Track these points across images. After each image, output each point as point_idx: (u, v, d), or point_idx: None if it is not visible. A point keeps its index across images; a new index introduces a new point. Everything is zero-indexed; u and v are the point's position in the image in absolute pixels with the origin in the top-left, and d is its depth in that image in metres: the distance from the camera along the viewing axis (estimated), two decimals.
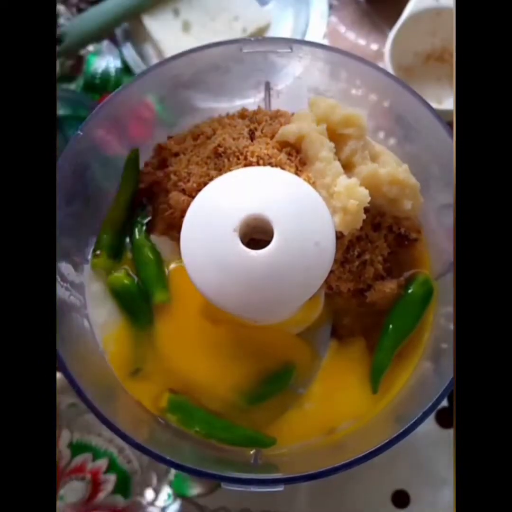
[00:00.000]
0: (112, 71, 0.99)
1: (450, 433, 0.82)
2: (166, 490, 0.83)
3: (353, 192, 0.64)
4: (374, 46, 0.99)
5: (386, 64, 0.89)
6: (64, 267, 0.70)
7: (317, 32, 0.96)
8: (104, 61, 0.99)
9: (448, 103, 0.91)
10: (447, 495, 0.82)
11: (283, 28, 0.98)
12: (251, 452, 0.69)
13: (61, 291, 0.68)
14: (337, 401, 0.69)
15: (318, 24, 0.96)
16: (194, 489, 0.83)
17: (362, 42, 0.99)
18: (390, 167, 0.68)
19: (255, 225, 0.60)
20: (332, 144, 0.67)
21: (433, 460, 0.83)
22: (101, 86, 0.98)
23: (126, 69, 0.98)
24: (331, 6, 1.00)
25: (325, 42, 0.99)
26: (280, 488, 0.62)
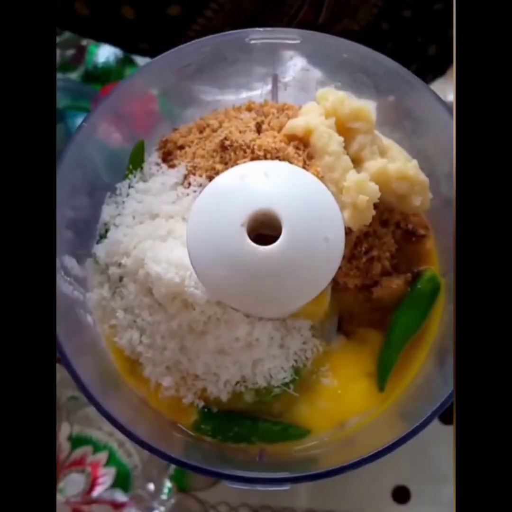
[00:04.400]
0: (114, 61, 0.98)
1: (451, 429, 0.81)
2: (167, 484, 0.83)
3: (363, 188, 0.63)
4: None
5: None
6: (67, 261, 0.69)
7: None
8: (105, 51, 0.98)
9: (453, 97, 0.91)
10: (447, 491, 0.81)
11: None
12: (256, 450, 0.69)
13: (65, 286, 0.68)
14: (346, 396, 0.69)
15: None
16: (195, 484, 0.83)
17: None
18: (399, 162, 0.68)
19: (262, 220, 0.59)
20: (341, 138, 0.67)
21: (434, 456, 0.83)
22: (102, 76, 0.97)
23: (127, 59, 0.98)
24: None
25: None
26: (286, 487, 0.62)
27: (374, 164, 0.67)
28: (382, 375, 0.69)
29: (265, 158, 0.67)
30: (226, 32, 0.71)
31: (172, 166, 0.73)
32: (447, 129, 0.67)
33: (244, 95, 0.78)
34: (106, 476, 0.83)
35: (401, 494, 0.83)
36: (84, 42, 0.97)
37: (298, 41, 0.71)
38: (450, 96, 0.91)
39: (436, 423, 0.83)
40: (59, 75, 0.95)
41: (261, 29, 0.71)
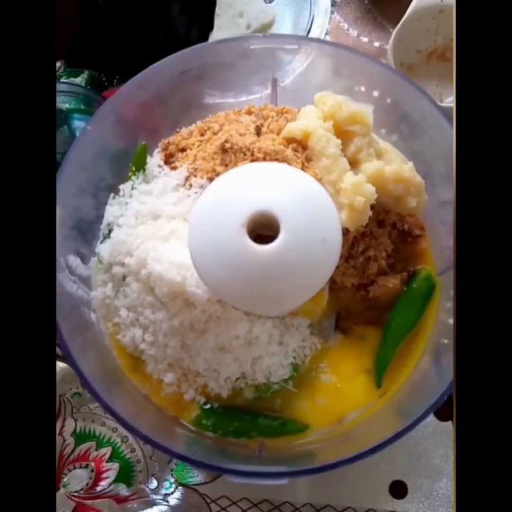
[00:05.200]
0: None
1: (447, 425, 0.83)
2: (169, 479, 0.83)
3: (360, 189, 0.64)
4: (377, 43, 0.99)
5: (389, 61, 0.89)
6: (72, 260, 0.70)
7: (320, 29, 0.96)
8: None
9: (449, 101, 0.91)
10: (444, 486, 0.82)
11: (286, 24, 0.98)
12: (255, 445, 0.70)
13: (69, 285, 0.69)
14: (344, 391, 0.70)
15: (321, 21, 0.96)
16: (196, 478, 0.83)
17: (364, 39, 0.99)
18: (396, 164, 0.69)
19: (261, 221, 0.60)
20: (338, 141, 0.68)
21: (430, 451, 0.83)
22: (106, 80, 0.97)
23: None
24: (334, 3, 1.00)
25: (328, 39, 0.99)
26: (284, 481, 0.63)
27: (370, 166, 0.68)
28: (379, 372, 0.70)
29: (265, 160, 0.68)
30: (227, 38, 0.72)
31: (174, 168, 0.74)
32: (443, 132, 0.69)
33: (244, 98, 0.79)
34: (109, 471, 0.83)
35: (398, 489, 0.83)
36: None
37: (296, 47, 0.72)
38: (446, 100, 0.92)
39: (432, 419, 0.83)
40: (64, 79, 0.95)
41: (260, 35, 0.72)
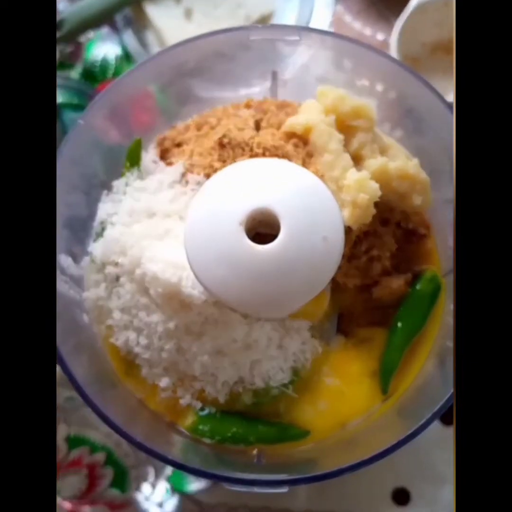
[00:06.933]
0: (112, 58, 0.97)
1: (451, 430, 0.82)
2: (164, 485, 0.82)
3: (364, 186, 0.63)
4: (380, 36, 0.98)
5: (392, 54, 0.88)
6: (63, 260, 0.69)
7: (322, 21, 0.95)
8: (103, 48, 0.97)
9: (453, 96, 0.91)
10: (447, 493, 0.81)
11: (287, 16, 0.96)
12: (254, 452, 0.68)
13: (61, 285, 0.67)
14: (347, 396, 0.69)
15: (323, 12, 0.95)
16: (192, 485, 0.82)
17: (367, 31, 0.98)
18: (400, 161, 0.67)
19: (261, 219, 0.59)
20: (341, 136, 0.66)
21: (434, 457, 0.83)
22: (100, 73, 0.96)
23: (126, 56, 0.97)
24: None
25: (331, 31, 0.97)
26: (284, 489, 0.61)
27: (374, 163, 0.66)
28: (385, 377, 0.69)
29: (264, 155, 0.67)
30: (225, 28, 0.71)
31: (170, 164, 0.72)
32: (449, 127, 0.67)
33: (243, 92, 0.77)
34: (103, 477, 0.82)
35: (401, 496, 0.83)
36: (82, 38, 0.97)
37: (297, 38, 0.70)
38: (451, 95, 0.91)
39: (436, 424, 0.82)
40: (57, 73, 0.94)
41: (260, 25, 0.71)
